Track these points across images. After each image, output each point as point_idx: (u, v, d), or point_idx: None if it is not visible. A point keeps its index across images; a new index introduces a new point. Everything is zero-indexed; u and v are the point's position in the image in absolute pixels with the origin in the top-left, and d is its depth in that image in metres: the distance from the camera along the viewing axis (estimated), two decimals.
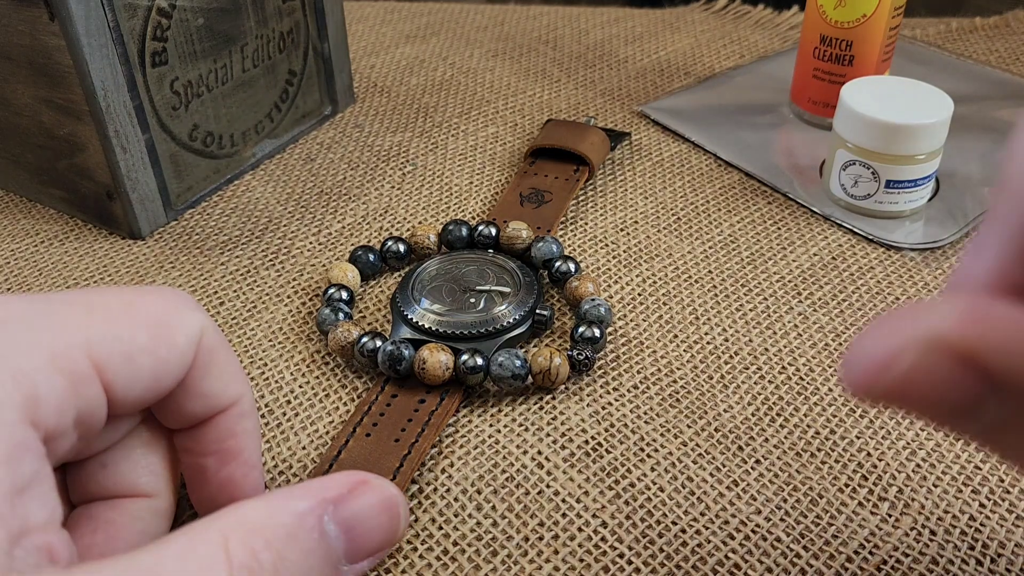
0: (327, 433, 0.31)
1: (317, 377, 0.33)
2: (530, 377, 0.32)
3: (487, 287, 0.35)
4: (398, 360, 0.32)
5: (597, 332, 0.33)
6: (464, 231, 0.38)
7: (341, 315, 0.35)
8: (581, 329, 0.34)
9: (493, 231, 0.38)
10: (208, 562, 0.18)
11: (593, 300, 0.35)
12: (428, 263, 0.37)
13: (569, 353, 0.32)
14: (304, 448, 0.31)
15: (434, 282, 0.36)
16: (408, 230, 0.41)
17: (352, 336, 0.33)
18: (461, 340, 0.33)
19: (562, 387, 0.33)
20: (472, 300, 0.35)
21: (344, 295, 0.36)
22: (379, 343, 0.32)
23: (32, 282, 0.39)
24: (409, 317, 0.34)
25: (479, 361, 0.32)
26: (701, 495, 0.29)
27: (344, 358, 0.34)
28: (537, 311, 0.35)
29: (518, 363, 0.32)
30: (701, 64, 0.57)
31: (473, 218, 0.42)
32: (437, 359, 0.32)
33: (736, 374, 0.33)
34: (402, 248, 0.38)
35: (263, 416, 0.32)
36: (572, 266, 0.37)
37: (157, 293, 0.23)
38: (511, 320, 0.34)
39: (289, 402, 0.32)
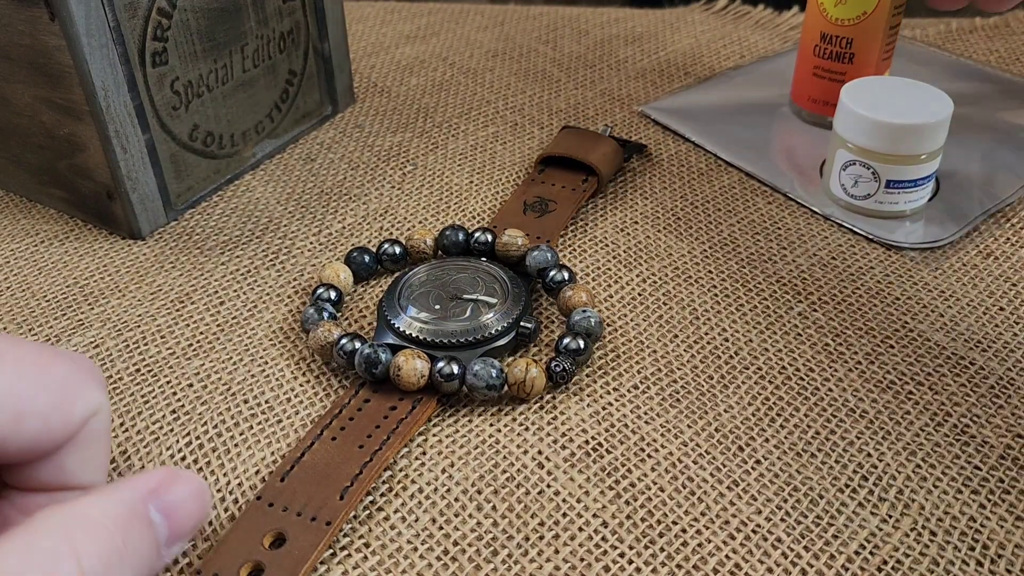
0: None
1: (317, 376, 0.33)
2: (506, 387, 0.32)
3: (474, 296, 0.35)
4: (374, 364, 0.32)
5: (582, 344, 0.33)
6: (461, 236, 0.38)
7: (326, 315, 0.34)
8: (566, 341, 0.33)
9: (489, 238, 0.38)
10: (53, 556, 0.19)
11: (584, 312, 0.34)
12: (418, 269, 0.36)
13: (547, 365, 0.32)
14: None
15: (422, 288, 0.35)
16: (407, 231, 0.41)
17: (332, 336, 0.33)
18: (443, 348, 0.33)
19: (549, 395, 0.33)
20: (458, 309, 0.34)
21: (332, 295, 0.36)
22: (358, 345, 0.32)
23: (32, 282, 0.39)
24: (393, 323, 0.34)
25: (455, 369, 0.31)
26: (701, 495, 0.29)
27: (324, 358, 0.34)
28: (521, 323, 0.34)
29: (494, 373, 0.31)
30: (701, 64, 0.57)
31: (474, 220, 0.42)
32: (412, 366, 0.31)
33: (736, 374, 0.33)
34: (398, 251, 0.38)
35: (263, 414, 0.32)
36: (566, 275, 0.36)
37: (72, 360, 0.23)
38: (494, 331, 0.33)
39: (289, 400, 0.32)
